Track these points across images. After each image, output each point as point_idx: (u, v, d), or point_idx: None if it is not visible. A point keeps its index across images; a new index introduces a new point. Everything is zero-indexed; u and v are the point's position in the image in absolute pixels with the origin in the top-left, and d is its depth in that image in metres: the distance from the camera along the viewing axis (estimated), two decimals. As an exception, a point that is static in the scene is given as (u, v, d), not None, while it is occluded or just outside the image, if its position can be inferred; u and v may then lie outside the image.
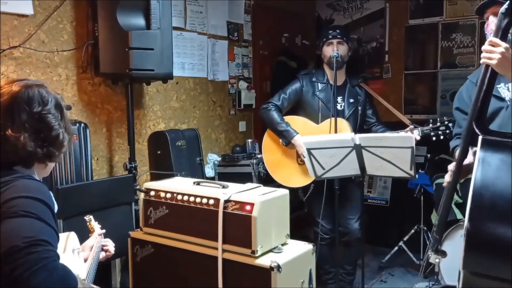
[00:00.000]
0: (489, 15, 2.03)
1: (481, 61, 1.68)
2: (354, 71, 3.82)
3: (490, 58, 1.64)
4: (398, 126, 3.25)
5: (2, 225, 1.15)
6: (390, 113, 3.62)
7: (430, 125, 3.05)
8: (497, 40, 1.63)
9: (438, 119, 3.12)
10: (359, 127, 3.33)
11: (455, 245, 2.59)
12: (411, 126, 3.09)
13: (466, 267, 1.48)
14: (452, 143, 2.38)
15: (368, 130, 3.35)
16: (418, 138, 3.01)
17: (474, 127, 1.65)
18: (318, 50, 3.48)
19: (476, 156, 1.53)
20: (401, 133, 2.99)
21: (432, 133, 3.04)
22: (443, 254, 1.85)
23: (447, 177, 2.00)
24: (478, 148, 1.55)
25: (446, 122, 3.05)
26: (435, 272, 3.01)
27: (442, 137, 3.03)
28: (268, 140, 3.43)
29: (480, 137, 1.58)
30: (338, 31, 3.31)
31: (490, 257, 1.44)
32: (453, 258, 1.68)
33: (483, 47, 1.68)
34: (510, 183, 1.43)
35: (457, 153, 1.92)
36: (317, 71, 3.44)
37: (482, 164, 1.50)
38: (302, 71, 3.51)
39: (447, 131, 3.03)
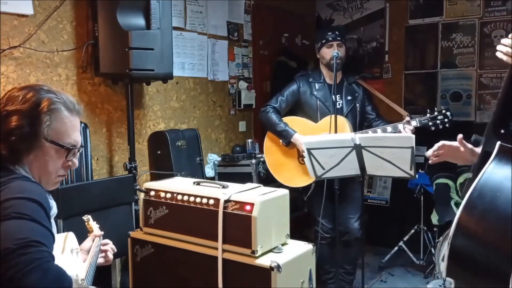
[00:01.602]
0: None
1: (497, 54, 1.51)
2: (354, 71, 3.82)
3: (508, 54, 1.48)
4: (396, 120, 3.21)
5: None
6: (390, 112, 3.62)
7: (428, 115, 3.04)
8: None
9: (436, 108, 3.10)
10: (359, 124, 3.34)
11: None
12: (408, 118, 3.08)
13: (449, 276, 1.41)
14: None
15: (369, 127, 3.35)
16: (416, 125, 3.00)
17: (493, 132, 1.52)
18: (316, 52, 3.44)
19: (487, 163, 1.42)
20: (401, 133, 2.98)
21: (430, 123, 3.03)
22: None
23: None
24: (493, 155, 1.44)
25: (443, 111, 3.03)
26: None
27: (441, 126, 3.00)
28: (268, 142, 3.45)
29: (498, 143, 1.46)
30: (337, 33, 3.31)
31: (470, 273, 1.35)
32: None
33: (504, 40, 1.50)
34: (508, 198, 1.31)
35: None
36: (313, 72, 3.47)
37: (489, 172, 1.39)
38: (298, 73, 3.53)
39: (446, 119, 3.01)
